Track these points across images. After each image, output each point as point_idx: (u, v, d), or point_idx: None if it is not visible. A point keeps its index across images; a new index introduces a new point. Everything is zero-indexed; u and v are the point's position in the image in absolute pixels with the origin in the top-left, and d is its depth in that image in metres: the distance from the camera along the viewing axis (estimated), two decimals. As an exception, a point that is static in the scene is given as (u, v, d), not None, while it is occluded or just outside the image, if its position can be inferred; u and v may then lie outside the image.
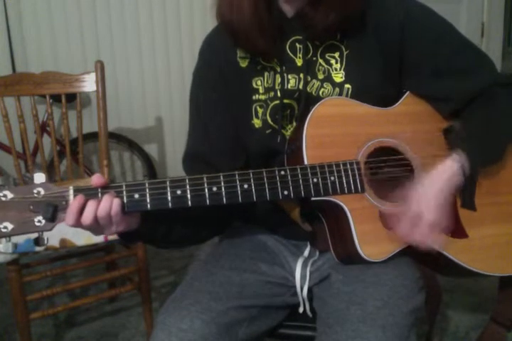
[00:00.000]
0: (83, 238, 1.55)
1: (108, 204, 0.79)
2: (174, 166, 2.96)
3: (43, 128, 2.46)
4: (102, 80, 1.81)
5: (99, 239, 1.54)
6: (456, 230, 0.95)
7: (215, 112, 1.01)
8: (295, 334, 1.04)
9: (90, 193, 0.80)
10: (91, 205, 0.79)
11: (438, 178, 0.90)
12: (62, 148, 2.50)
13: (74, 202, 0.78)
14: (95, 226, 0.81)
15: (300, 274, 1.02)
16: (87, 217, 0.78)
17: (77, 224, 0.79)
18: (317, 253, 1.05)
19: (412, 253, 0.95)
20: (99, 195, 0.80)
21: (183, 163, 1.05)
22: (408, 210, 0.88)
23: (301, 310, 1.03)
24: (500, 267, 0.98)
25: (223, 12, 0.94)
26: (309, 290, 1.02)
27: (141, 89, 2.85)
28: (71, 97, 1.93)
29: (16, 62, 2.63)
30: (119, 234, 0.89)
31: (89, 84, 1.82)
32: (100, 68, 1.80)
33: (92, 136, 2.54)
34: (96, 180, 0.80)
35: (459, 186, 0.91)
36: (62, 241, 1.53)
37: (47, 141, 2.27)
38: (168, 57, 2.84)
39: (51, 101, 1.84)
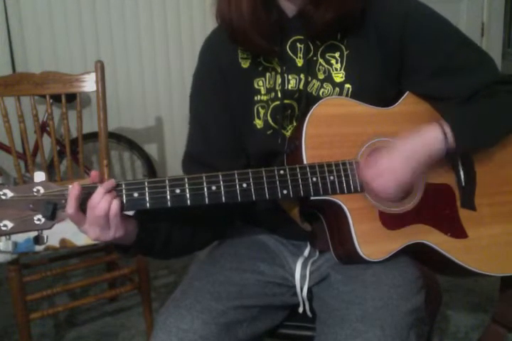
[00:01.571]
0: (83, 238, 1.55)
1: (107, 204, 0.79)
2: (174, 166, 2.96)
3: (43, 128, 2.45)
4: (102, 80, 1.81)
5: (99, 239, 1.54)
6: (456, 230, 0.95)
7: (214, 114, 1.01)
8: (295, 334, 1.04)
9: (90, 189, 0.80)
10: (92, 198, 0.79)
11: (414, 141, 0.90)
12: (62, 148, 2.50)
13: (72, 189, 0.78)
14: (93, 226, 0.80)
15: (300, 274, 1.02)
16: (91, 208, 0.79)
17: (77, 213, 0.79)
18: (317, 253, 1.05)
19: (412, 252, 0.95)
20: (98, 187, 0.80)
21: (183, 165, 1.05)
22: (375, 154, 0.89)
23: (300, 310, 1.03)
24: (501, 267, 0.98)
25: (222, 12, 0.94)
26: (309, 290, 1.02)
27: (141, 89, 2.85)
28: (71, 97, 1.92)
29: (16, 62, 2.63)
30: (116, 247, 0.90)
31: (89, 84, 1.82)
32: (100, 68, 1.80)
33: (92, 136, 2.54)
34: (93, 175, 0.82)
35: (438, 155, 0.91)
36: (62, 241, 1.53)
37: (47, 141, 2.27)
38: (168, 57, 2.84)
39: (51, 101, 1.84)
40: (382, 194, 0.89)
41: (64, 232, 1.53)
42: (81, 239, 1.55)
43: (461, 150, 0.93)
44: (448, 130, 0.90)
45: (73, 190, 0.78)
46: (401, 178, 0.88)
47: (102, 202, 0.79)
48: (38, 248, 1.50)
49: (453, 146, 0.90)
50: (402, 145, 0.90)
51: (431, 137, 0.90)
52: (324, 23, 0.91)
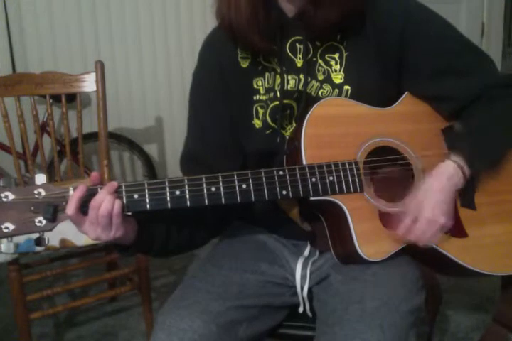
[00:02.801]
0: (83, 238, 1.55)
1: (110, 204, 0.79)
2: (174, 166, 2.96)
3: (43, 128, 2.46)
4: (102, 80, 1.80)
5: (99, 239, 1.54)
6: (456, 229, 0.95)
7: (213, 114, 1.01)
8: (295, 334, 1.04)
9: (92, 191, 0.80)
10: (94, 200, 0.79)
11: (437, 178, 0.90)
12: (62, 148, 2.50)
13: (77, 190, 0.78)
14: (95, 225, 0.81)
15: (300, 274, 1.02)
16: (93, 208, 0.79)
17: (77, 214, 0.79)
18: (317, 252, 1.05)
19: (412, 252, 0.95)
20: (99, 190, 0.80)
21: (181, 164, 1.05)
22: (408, 209, 0.89)
23: (301, 310, 1.03)
24: (501, 266, 0.98)
25: (222, 12, 0.94)
26: (309, 290, 1.02)
27: (141, 89, 2.85)
28: (71, 97, 1.92)
29: (16, 62, 2.64)
30: (115, 246, 0.90)
31: (89, 84, 1.82)
32: (100, 68, 1.80)
33: (92, 136, 2.54)
34: (93, 176, 0.82)
35: (459, 187, 0.92)
36: (62, 241, 1.53)
37: (47, 141, 2.27)
38: (168, 57, 2.84)
39: (51, 101, 1.84)
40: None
41: (64, 232, 1.53)
42: (81, 239, 1.55)
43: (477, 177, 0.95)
44: (464, 163, 0.91)
45: (78, 191, 0.79)
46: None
47: (105, 202, 0.79)
48: (39, 248, 1.50)
49: (468, 172, 0.92)
50: (434, 195, 0.89)
51: (454, 181, 0.91)
52: (324, 23, 0.91)
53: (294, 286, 1.02)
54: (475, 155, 0.92)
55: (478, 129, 0.95)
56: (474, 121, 0.95)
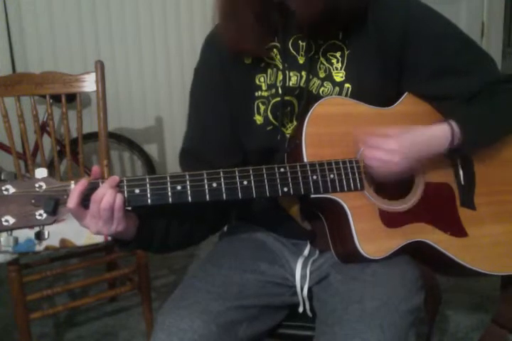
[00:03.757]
0: (83, 238, 1.55)
1: (112, 198, 0.79)
2: (174, 166, 2.96)
3: (43, 128, 2.46)
4: (102, 80, 1.80)
5: (99, 239, 1.54)
6: (456, 229, 0.95)
7: (214, 113, 1.01)
8: (295, 334, 1.04)
9: (93, 185, 0.80)
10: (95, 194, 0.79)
11: (428, 132, 0.92)
12: (62, 148, 2.50)
13: (78, 184, 0.78)
14: (96, 219, 0.81)
15: (300, 274, 1.02)
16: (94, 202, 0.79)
17: (78, 208, 0.79)
18: (317, 252, 1.05)
19: (411, 252, 0.95)
20: (100, 184, 0.81)
21: (180, 159, 1.05)
22: (388, 132, 0.90)
23: (300, 309, 1.03)
24: (501, 266, 0.98)
25: (220, 16, 0.96)
26: (309, 289, 1.02)
27: (141, 89, 2.85)
28: (71, 97, 1.92)
29: (16, 62, 2.64)
30: (115, 241, 0.91)
31: (89, 84, 1.81)
32: (100, 68, 1.80)
33: (92, 136, 2.54)
34: (94, 170, 0.82)
35: (438, 151, 0.92)
36: (62, 241, 1.53)
37: (47, 141, 2.27)
38: (169, 57, 2.85)
39: (51, 101, 1.84)
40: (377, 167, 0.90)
41: (64, 232, 1.53)
42: (81, 239, 1.55)
43: (467, 151, 0.95)
44: (457, 130, 0.91)
45: (79, 184, 0.79)
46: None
47: (106, 196, 0.79)
48: (38, 248, 1.50)
49: (459, 147, 0.92)
50: (410, 133, 0.91)
51: (439, 136, 0.91)
52: (310, 18, 0.90)
53: (294, 286, 1.02)
54: (469, 130, 0.92)
55: (476, 113, 0.95)
56: (472, 109, 0.96)
